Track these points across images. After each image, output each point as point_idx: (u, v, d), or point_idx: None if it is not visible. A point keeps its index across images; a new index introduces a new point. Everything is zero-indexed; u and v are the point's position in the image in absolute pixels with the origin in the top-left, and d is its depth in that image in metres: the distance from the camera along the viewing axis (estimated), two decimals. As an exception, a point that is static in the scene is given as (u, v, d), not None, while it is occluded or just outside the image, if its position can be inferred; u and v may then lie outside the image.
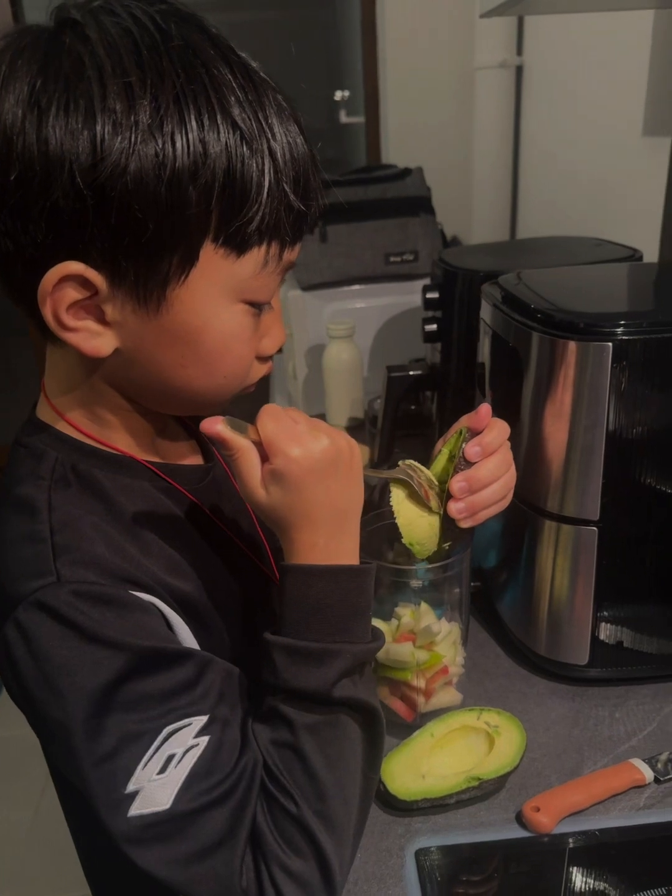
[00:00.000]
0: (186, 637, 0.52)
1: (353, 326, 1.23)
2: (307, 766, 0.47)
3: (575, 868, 0.57)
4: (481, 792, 0.61)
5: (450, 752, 0.64)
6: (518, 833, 0.60)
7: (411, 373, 1.07)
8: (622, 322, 0.62)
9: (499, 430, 0.60)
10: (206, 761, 0.45)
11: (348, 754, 0.50)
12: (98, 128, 0.41)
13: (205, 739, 0.45)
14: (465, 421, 0.61)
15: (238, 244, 0.46)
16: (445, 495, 0.59)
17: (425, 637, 0.66)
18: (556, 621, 0.73)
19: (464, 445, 0.59)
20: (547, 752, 0.67)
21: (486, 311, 0.80)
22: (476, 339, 0.86)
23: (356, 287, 1.34)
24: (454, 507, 0.58)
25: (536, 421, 0.69)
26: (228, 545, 0.61)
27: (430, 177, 1.52)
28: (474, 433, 0.60)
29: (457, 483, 0.58)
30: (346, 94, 2.59)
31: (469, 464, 0.59)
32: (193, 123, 0.43)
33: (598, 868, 0.57)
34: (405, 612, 0.67)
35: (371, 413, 1.19)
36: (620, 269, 0.88)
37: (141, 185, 0.42)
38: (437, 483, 0.61)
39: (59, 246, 0.44)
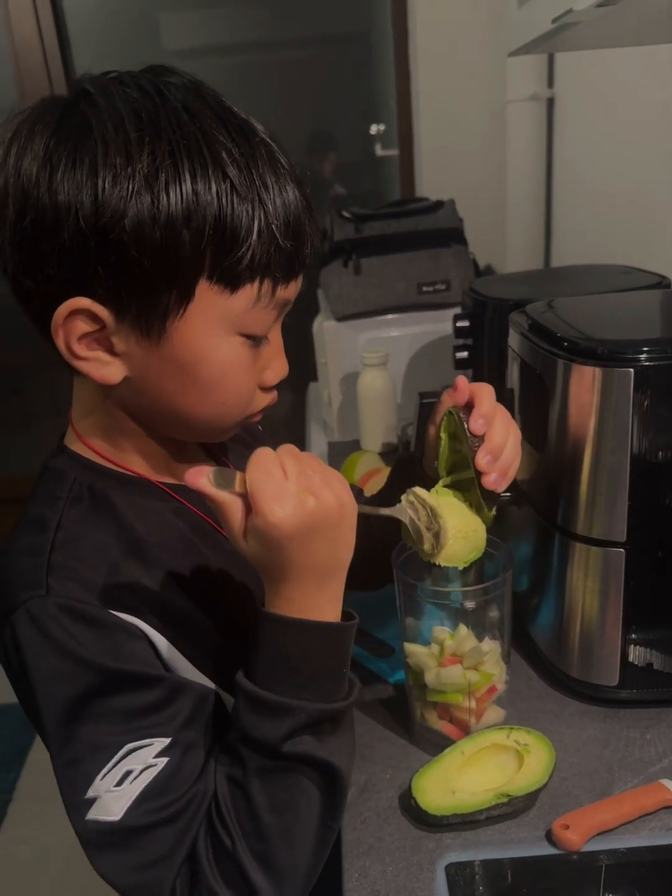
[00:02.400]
0: (174, 658, 0.55)
1: (386, 355, 1.27)
2: (251, 807, 0.50)
3: (603, 886, 0.58)
4: (511, 809, 0.63)
5: (480, 769, 0.65)
6: (547, 850, 0.60)
7: (443, 399, 1.09)
8: (645, 348, 0.64)
9: (487, 396, 0.62)
10: (160, 782, 0.49)
11: (299, 802, 0.50)
12: (99, 180, 0.47)
13: (163, 761, 0.49)
14: (448, 401, 0.64)
15: (231, 281, 0.51)
16: (475, 475, 0.61)
17: (473, 657, 0.67)
18: (587, 643, 0.74)
19: (466, 425, 0.61)
20: (578, 771, 0.68)
21: (513, 339, 0.82)
22: (505, 365, 0.88)
23: (389, 316, 1.38)
24: (490, 479, 0.61)
25: (563, 445, 0.71)
26: (242, 565, 0.63)
27: (464, 207, 1.56)
28: (461, 407, 0.62)
29: (482, 458, 0.60)
30: (382, 127, 2.65)
31: (478, 436, 0.61)
32: (187, 175, 0.48)
33: (626, 887, 0.58)
34: (444, 636, 0.68)
35: (404, 439, 1.21)
36: (646, 296, 0.90)
37: (137, 229, 0.47)
38: (438, 510, 0.62)
39: (69, 283, 0.49)
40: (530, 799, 0.63)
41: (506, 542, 0.87)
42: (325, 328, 1.36)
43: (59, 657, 0.49)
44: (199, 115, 0.49)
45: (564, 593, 0.75)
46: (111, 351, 0.53)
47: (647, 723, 0.73)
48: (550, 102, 1.85)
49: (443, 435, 0.65)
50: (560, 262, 1.88)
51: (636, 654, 0.72)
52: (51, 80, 2.18)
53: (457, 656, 0.68)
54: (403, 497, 0.63)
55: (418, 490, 0.63)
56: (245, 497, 0.49)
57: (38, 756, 1.89)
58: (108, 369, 0.53)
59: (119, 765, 0.49)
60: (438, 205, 1.46)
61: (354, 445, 1.35)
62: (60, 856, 1.66)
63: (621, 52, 1.32)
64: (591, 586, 0.72)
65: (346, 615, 0.54)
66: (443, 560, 0.63)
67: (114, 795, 0.48)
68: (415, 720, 0.71)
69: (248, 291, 0.52)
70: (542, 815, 0.64)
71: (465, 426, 0.61)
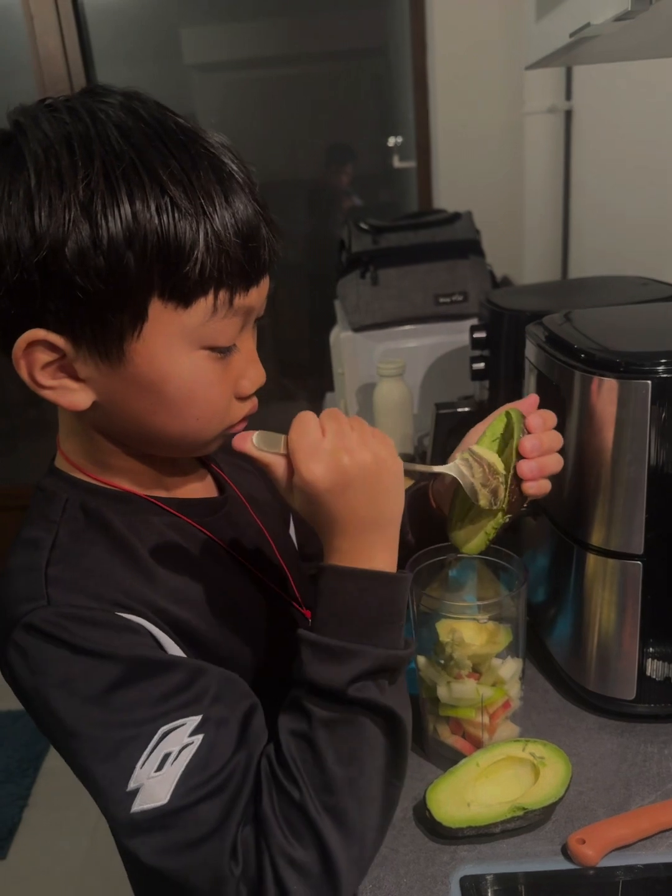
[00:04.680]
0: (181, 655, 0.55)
1: (402, 365, 1.27)
2: (318, 758, 0.50)
3: (620, 901, 0.57)
4: (526, 822, 0.62)
5: (495, 781, 0.65)
6: (563, 865, 0.60)
7: (459, 410, 1.10)
8: (663, 360, 0.64)
9: (549, 419, 0.64)
10: (201, 758, 0.49)
11: (364, 754, 0.51)
12: (35, 213, 0.47)
13: (199, 738, 0.49)
14: (511, 406, 0.65)
15: (182, 296, 0.50)
16: (512, 468, 0.61)
17: (491, 675, 0.67)
18: (604, 656, 0.74)
19: (523, 424, 0.62)
20: (595, 786, 0.67)
21: (530, 351, 0.82)
22: (522, 376, 0.88)
23: (406, 327, 1.38)
24: (526, 467, 0.60)
25: (581, 456, 0.71)
26: (245, 574, 0.64)
27: (481, 219, 1.56)
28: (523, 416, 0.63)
29: (529, 442, 0.61)
30: (399, 139, 2.67)
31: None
32: (123, 196, 0.47)
33: (644, 903, 0.57)
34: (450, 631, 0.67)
35: (420, 449, 1.22)
36: (664, 308, 0.90)
37: (80, 258, 0.47)
38: (497, 466, 0.62)
39: (21, 316, 0.50)
40: (546, 812, 0.63)
41: (523, 553, 0.87)
42: (341, 339, 1.37)
43: (73, 658, 0.49)
44: (133, 134, 0.49)
45: (582, 606, 0.74)
46: (75, 377, 0.53)
47: (666, 738, 0.72)
48: (568, 115, 1.85)
49: (488, 430, 0.65)
50: (578, 273, 1.88)
51: (654, 668, 0.72)
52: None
53: (477, 673, 0.67)
54: (459, 455, 0.63)
55: (477, 448, 0.63)
56: (288, 457, 0.52)
57: (53, 763, 1.90)
58: (75, 396, 0.54)
59: (157, 749, 0.48)
60: (456, 217, 1.47)
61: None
62: (75, 861, 1.66)
63: (640, 65, 1.32)
64: (608, 599, 0.72)
65: (399, 569, 0.56)
66: (461, 543, 0.64)
67: (156, 780, 0.48)
68: (427, 734, 0.71)
69: (203, 304, 0.51)
70: (558, 830, 0.63)
71: (523, 425, 0.62)
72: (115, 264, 0.48)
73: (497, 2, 1.92)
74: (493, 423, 0.65)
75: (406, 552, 0.70)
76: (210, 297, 0.51)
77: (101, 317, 0.50)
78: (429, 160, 2.25)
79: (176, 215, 0.48)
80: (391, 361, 1.27)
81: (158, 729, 0.49)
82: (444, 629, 0.67)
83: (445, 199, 2.13)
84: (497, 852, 0.62)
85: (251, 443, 0.52)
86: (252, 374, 0.58)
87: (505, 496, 0.61)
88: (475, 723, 0.68)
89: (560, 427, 0.73)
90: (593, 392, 0.67)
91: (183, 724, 0.49)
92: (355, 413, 1.40)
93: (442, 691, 0.67)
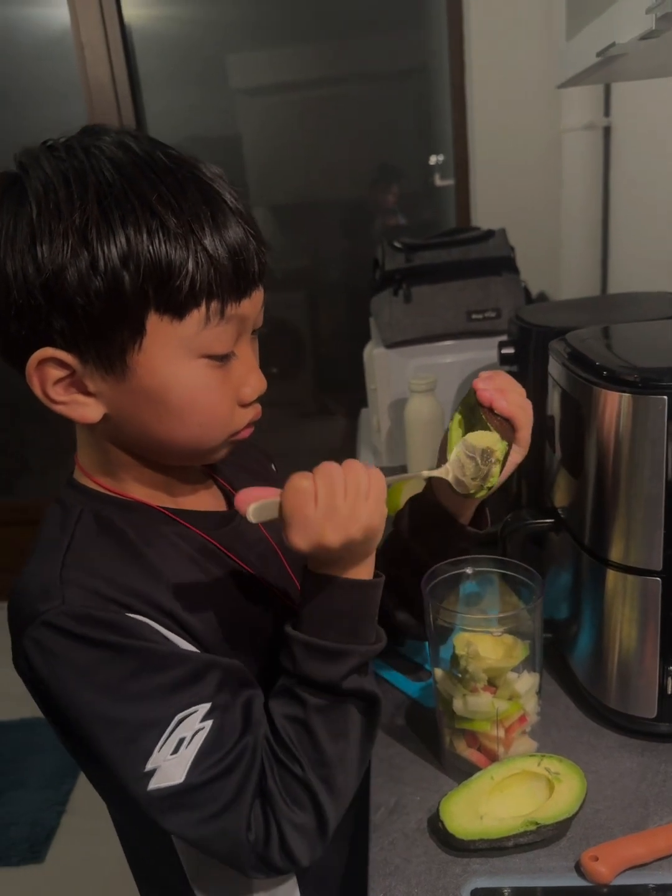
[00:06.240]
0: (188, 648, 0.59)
1: (434, 381, 1.28)
2: (314, 739, 0.57)
3: (632, 920, 0.57)
4: (539, 837, 0.62)
5: (509, 795, 0.65)
6: (575, 881, 0.60)
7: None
8: (680, 376, 0.64)
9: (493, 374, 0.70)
10: (212, 741, 0.55)
11: (349, 730, 0.59)
12: (37, 244, 0.52)
13: (209, 723, 0.55)
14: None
15: (176, 309, 0.54)
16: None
17: (507, 689, 0.67)
18: (625, 673, 0.73)
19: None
20: (612, 804, 0.67)
21: (553, 367, 0.83)
22: (548, 392, 0.88)
23: (439, 344, 1.39)
24: (486, 395, 0.67)
25: (600, 472, 0.71)
26: (254, 587, 0.66)
27: (519, 235, 1.56)
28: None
29: (480, 383, 0.68)
30: (441, 158, 2.69)
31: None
32: (117, 222, 0.52)
33: (656, 922, 0.56)
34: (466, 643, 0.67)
35: (450, 465, 1.22)
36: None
37: (79, 283, 0.52)
38: (495, 454, 0.65)
39: (31, 336, 0.54)
40: (559, 828, 0.63)
41: (548, 570, 0.87)
42: (374, 355, 1.39)
43: (91, 649, 0.53)
44: (125, 167, 0.53)
45: (602, 622, 0.74)
46: (86, 392, 0.57)
47: (687, 758, 0.71)
48: (607, 131, 1.84)
49: (454, 420, 0.70)
50: (617, 289, 1.86)
51: (675, 686, 0.71)
52: (121, 121, 2.29)
53: (493, 687, 0.68)
54: (453, 454, 0.66)
55: (470, 437, 0.65)
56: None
57: (92, 770, 1.94)
58: (86, 409, 0.58)
59: (173, 734, 0.54)
60: (489, 234, 1.47)
61: (401, 471, 1.37)
62: (111, 868, 1.69)
63: (676, 81, 1.32)
64: (628, 616, 0.72)
65: (376, 573, 0.61)
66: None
67: (172, 762, 0.54)
68: (444, 747, 0.71)
69: (196, 315, 0.55)
70: (572, 846, 0.63)
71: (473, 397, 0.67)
72: (112, 285, 0.52)
73: (535, 20, 1.93)
74: (455, 414, 0.70)
75: (421, 565, 0.71)
76: (202, 308, 0.55)
77: (103, 333, 0.54)
78: (467, 178, 2.26)
79: (165, 236, 0.52)
80: (423, 377, 1.28)
81: (174, 717, 0.54)
82: (460, 642, 0.68)
83: (483, 216, 2.14)
84: (509, 867, 0.62)
85: (249, 514, 0.55)
86: (253, 381, 0.61)
87: (498, 474, 0.65)
88: (491, 736, 0.68)
89: (580, 443, 0.74)
90: (610, 408, 0.67)
91: (195, 712, 0.55)
92: (387, 429, 1.42)
93: (458, 704, 0.68)
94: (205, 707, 0.55)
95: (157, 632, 0.56)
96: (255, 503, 0.54)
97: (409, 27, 2.38)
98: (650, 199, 1.61)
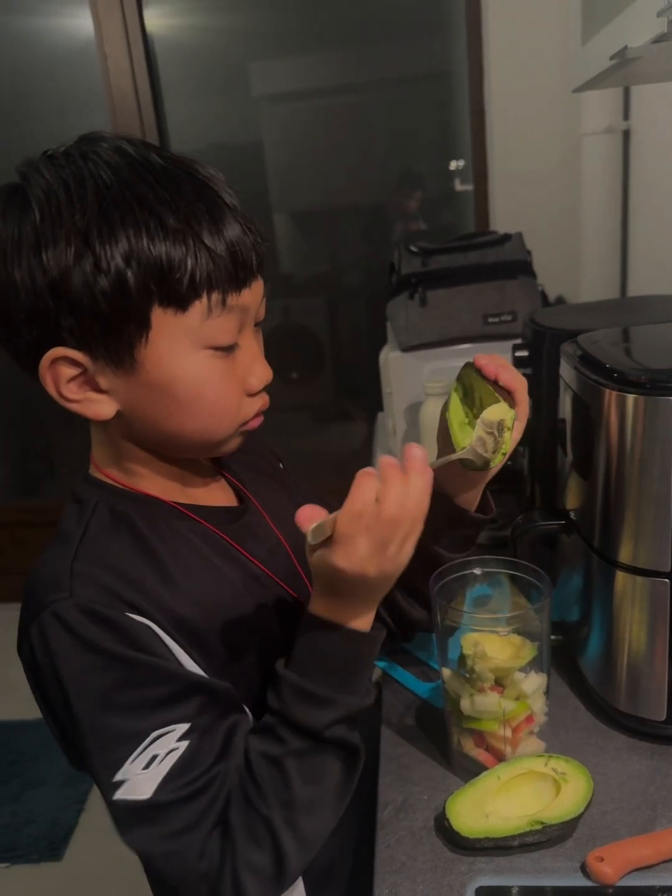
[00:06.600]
0: (184, 661, 0.59)
1: (449, 384, 1.28)
2: (286, 780, 0.56)
3: (636, 921, 0.56)
4: (545, 837, 0.62)
5: (515, 794, 0.65)
6: (580, 882, 0.60)
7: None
8: (688, 377, 0.64)
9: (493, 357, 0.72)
10: (184, 763, 0.54)
11: (325, 777, 0.58)
12: (42, 249, 0.54)
13: (185, 744, 0.55)
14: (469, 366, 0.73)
15: (179, 302, 0.56)
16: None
17: (514, 689, 0.68)
18: (634, 676, 0.73)
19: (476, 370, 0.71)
20: (620, 806, 0.67)
21: (564, 369, 0.83)
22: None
23: (454, 347, 1.39)
24: (490, 367, 0.69)
25: (609, 474, 0.71)
26: (263, 582, 0.67)
27: (538, 239, 1.56)
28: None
29: (482, 360, 0.70)
30: (461, 163, 2.69)
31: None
32: (117, 223, 0.54)
33: (661, 924, 0.56)
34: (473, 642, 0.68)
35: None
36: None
37: (85, 283, 0.54)
38: (507, 423, 0.67)
39: (43, 338, 0.56)
40: (565, 828, 0.63)
41: (559, 572, 0.87)
42: (390, 359, 1.39)
43: (86, 653, 0.54)
44: (122, 170, 0.55)
45: (611, 624, 0.74)
46: (98, 389, 0.59)
47: (697, 761, 0.71)
48: (626, 135, 1.84)
49: (455, 385, 0.72)
50: (637, 293, 1.85)
51: (685, 689, 0.71)
52: (143, 130, 2.32)
53: (500, 687, 0.68)
54: (475, 434, 0.66)
55: (486, 415, 0.66)
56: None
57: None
58: (98, 406, 0.59)
59: (147, 751, 0.54)
60: (506, 238, 1.48)
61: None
62: (128, 867, 1.70)
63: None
64: (637, 617, 0.71)
65: (375, 626, 0.60)
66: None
67: (142, 777, 0.53)
68: (451, 746, 0.72)
69: (199, 307, 0.57)
70: (578, 847, 0.63)
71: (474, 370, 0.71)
72: (116, 283, 0.54)
73: (553, 25, 1.93)
74: (452, 391, 0.72)
75: (431, 557, 0.72)
76: (204, 299, 0.56)
77: (110, 329, 0.55)
78: (486, 183, 2.26)
79: (164, 233, 0.54)
80: (438, 380, 1.28)
81: (150, 733, 0.54)
82: (467, 642, 0.68)
83: (502, 221, 2.14)
84: (515, 866, 0.62)
85: (308, 535, 0.53)
86: (259, 370, 0.62)
87: (509, 440, 0.67)
88: (498, 736, 0.68)
89: (589, 445, 0.74)
90: (618, 409, 0.67)
91: (172, 731, 0.55)
92: (403, 432, 1.42)
93: (465, 703, 0.68)
94: (183, 727, 0.55)
95: (157, 638, 0.57)
96: (315, 524, 0.53)
97: (429, 34, 2.39)
98: (670, 202, 1.60)
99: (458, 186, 2.70)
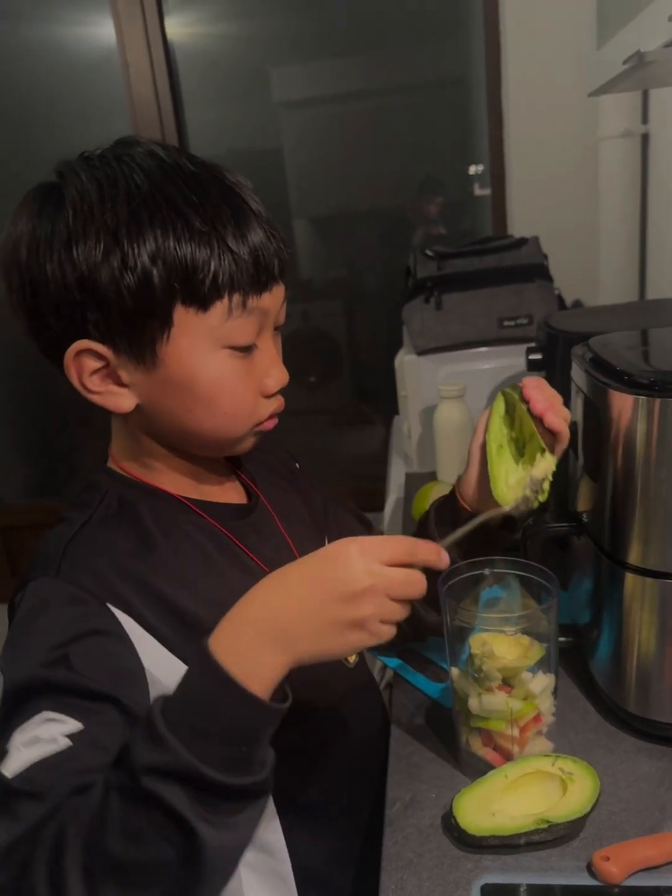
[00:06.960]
0: (161, 659, 0.58)
1: (463, 387, 1.29)
2: (102, 818, 0.45)
3: (641, 920, 0.57)
4: (551, 836, 0.62)
5: (522, 793, 0.65)
6: (585, 881, 0.60)
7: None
8: (695, 379, 0.64)
9: (541, 384, 0.72)
10: (56, 760, 0.48)
11: (150, 849, 0.45)
12: (73, 245, 0.56)
13: (67, 744, 0.49)
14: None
15: (201, 301, 0.58)
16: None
17: (521, 688, 0.68)
18: (644, 677, 0.73)
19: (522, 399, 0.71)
20: (627, 807, 0.67)
21: (575, 372, 0.83)
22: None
23: (470, 351, 1.40)
24: (540, 405, 0.69)
25: (617, 475, 0.71)
26: (259, 577, 0.67)
27: (556, 244, 1.56)
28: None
29: (532, 393, 0.70)
30: (480, 168, 2.70)
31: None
32: (146, 222, 0.56)
33: (666, 924, 0.56)
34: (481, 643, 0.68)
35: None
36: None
37: (112, 279, 0.56)
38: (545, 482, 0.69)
39: (69, 330, 0.59)
40: (571, 828, 0.63)
41: (571, 574, 0.87)
42: (405, 362, 1.40)
43: (40, 633, 0.55)
44: (153, 173, 0.58)
45: (621, 626, 0.74)
46: (120, 382, 0.61)
47: (707, 764, 0.70)
48: (645, 138, 1.83)
49: (495, 412, 0.73)
50: (656, 295, 1.85)
51: (695, 692, 0.71)
52: (164, 136, 2.35)
53: (507, 686, 0.68)
54: (521, 493, 0.69)
55: (536, 473, 0.68)
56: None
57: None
58: (119, 399, 0.61)
59: (34, 728, 0.49)
60: (522, 242, 1.48)
61: (431, 477, 1.38)
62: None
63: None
64: (647, 619, 0.72)
65: (279, 698, 0.50)
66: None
67: (17, 754, 0.48)
68: (460, 745, 0.72)
69: (220, 307, 0.59)
70: (585, 847, 0.63)
71: (520, 395, 0.71)
72: (142, 281, 0.56)
73: (570, 30, 1.93)
74: (495, 406, 0.72)
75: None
76: (225, 300, 0.59)
77: (134, 325, 0.58)
78: (504, 187, 2.27)
79: (190, 235, 0.56)
80: (452, 384, 1.29)
81: (42, 709, 0.50)
82: (475, 642, 0.69)
83: (520, 225, 2.14)
84: (521, 864, 0.62)
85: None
86: (275, 373, 0.64)
87: (548, 490, 0.68)
88: (505, 735, 0.68)
89: (599, 447, 0.74)
90: (626, 410, 0.68)
91: (63, 722, 0.50)
92: (418, 435, 1.43)
93: (473, 703, 0.68)
94: (76, 725, 0.50)
95: (127, 638, 0.57)
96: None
97: (447, 39, 2.40)
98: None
99: (478, 191, 2.71)
